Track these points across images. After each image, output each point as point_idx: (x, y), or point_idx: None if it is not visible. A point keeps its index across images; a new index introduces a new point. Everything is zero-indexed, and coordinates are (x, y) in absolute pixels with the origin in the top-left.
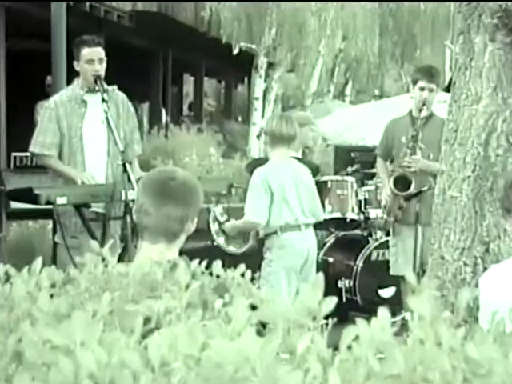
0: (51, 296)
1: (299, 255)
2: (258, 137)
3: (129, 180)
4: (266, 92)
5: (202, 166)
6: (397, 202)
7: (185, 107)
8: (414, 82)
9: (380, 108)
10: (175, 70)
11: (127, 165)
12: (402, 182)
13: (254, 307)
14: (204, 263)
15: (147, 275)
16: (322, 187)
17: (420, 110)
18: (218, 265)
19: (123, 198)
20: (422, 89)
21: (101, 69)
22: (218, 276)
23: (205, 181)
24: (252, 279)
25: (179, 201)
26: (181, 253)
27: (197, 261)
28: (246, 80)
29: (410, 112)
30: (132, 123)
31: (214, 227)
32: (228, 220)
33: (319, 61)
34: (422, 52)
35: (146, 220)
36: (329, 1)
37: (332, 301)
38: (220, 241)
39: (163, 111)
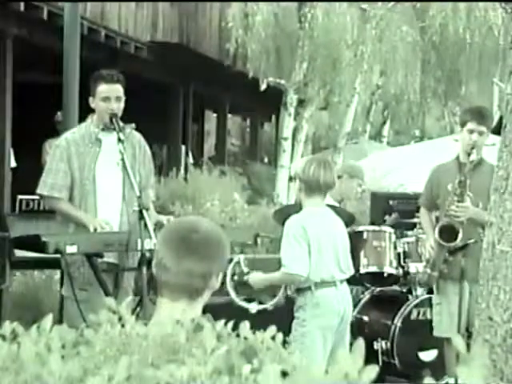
0: (62, 358)
1: (335, 314)
2: (291, 179)
3: (145, 228)
4: (295, 131)
5: (225, 212)
6: (442, 254)
7: (206, 147)
8: (463, 124)
9: (421, 151)
10: (196, 106)
11: (144, 211)
12: (448, 233)
13: (285, 374)
14: (231, 323)
15: (169, 337)
16: (357, 238)
17: (469, 155)
18: (245, 326)
19: (139, 248)
20: (471, 131)
21: (117, 108)
22: (245, 338)
23: (228, 229)
24: (284, 342)
25: (202, 255)
26: (203, 309)
27: (223, 321)
28: (273, 118)
29: (457, 157)
30: (148, 167)
31: (229, 278)
32: (250, 272)
33: (354, 98)
34: (467, 89)
35: (166, 276)
36: (375, 0)
37: (374, 369)
38: (232, 294)
39: (183, 150)
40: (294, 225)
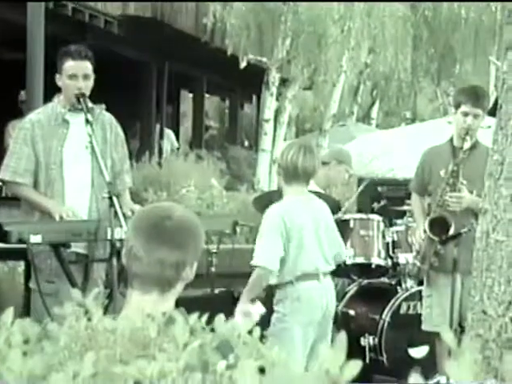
0: (24, 354)
1: (318, 309)
2: (275, 163)
3: (116, 216)
4: (277, 113)
5: (202, 199)
6: (432, 246)
7: (182, 129)
8: (456, 106)
9: (412, 133)
10: (171, 85)
11: (114, 198)
12: (439, 225)
13: (263, 370)
14: (205, 317)
15: (138, 331)
16: (342, 227)
17: (463, 140)
18: (221, 319)
19: (109, 237)
20: (466, 114)
21: (86, 86)
22: (220, 332)
23: (205, 217)
24: (261, 337)
25: (175, 244)
26: (176, 303)
27: (196, 314)
28: (254, 99)
29: (451, 140)
30: (122, 150)
31: None
32: None
33: (341, 77)
34: (461, 68)
35: (137, 266)
36: (354, 0)
37: (356, 365)
38: None
39: (171, 133)
40: (271, 215)
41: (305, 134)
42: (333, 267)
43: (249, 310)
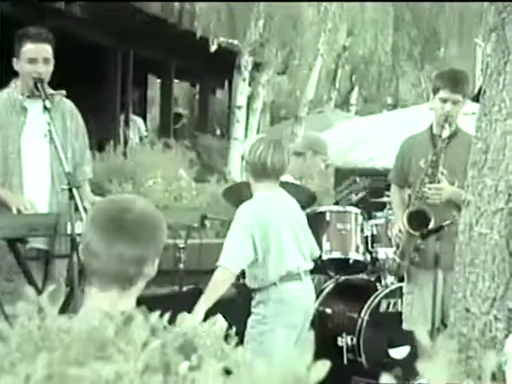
0: None
1: (301, 311)
2: (243, 159)
3: (77, 209)
4: (250, 99)
5: (170, 191)
6: (412, 241)
7: (149, 117)
8: (435, 92)
9: (393, 120)
10: (137, 70)
11: (74, 190)
12: (418, 219)
13: (228, 372)
14: (167, 315)
15: (95, 331)
16: (318, 220)
17: (442, 127)
18: (184, 318)
19: (69, 232)
20: (444, 100)
21: (45, 71)
22: (184, 332)
23: (172, 211)
24: (226, 337)
25: (136, 238)
26: (139, 302)
27: (157, 313)
28: (226, 84)
29: (431, 127)
30: (82, 140)
31: None
32: None
33: (318, 61)
34: (446, 51)
35: (95, 262)
36: (330, 0)
37: (325, 365)
38: None
39: (139, 120)
40: (243, 214)
41: (280, 121)
42: (311, 265)
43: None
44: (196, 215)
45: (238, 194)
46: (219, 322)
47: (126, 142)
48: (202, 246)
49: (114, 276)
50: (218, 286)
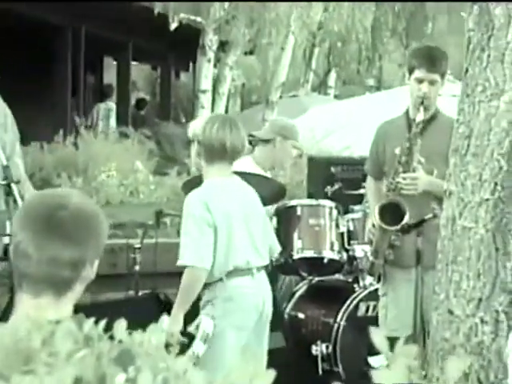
0: None
1: (253, 309)
2: (189, 143)
3: (15, 205)
4: (216, 83)
5: (125, 185)
6: (386, 237)
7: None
8: (410, 71)
9: (375, 103)
10: (91, 51)
11: (13, 185)
12: (391, 212)
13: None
14: (103, 323)
15: (21, 342)
16: (289, 215)
17: (417, 110)
18: (121, 325)
19: (7, 231)
20: (420, 81)
21: None
22: (120, 341)
23: (126, 207)
24: (167, 346)
25: (72, 238)
26: (88, 309)
27: (92, 320)
28: (191, 67)
29: (407, 112)
30: (12, 130)
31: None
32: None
33: (290, 39)
34: (434, 26)
35: (26, 265)
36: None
37: (270, 375)
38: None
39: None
40: (193, 202)
41: (251, 106)
42: (267, 261)
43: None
44: (152, 211)
45: (195, 187)
46: (204, 323)
47: (77, 132)
48: (158, 246)
49: (48, 280)
50: (191, 288)
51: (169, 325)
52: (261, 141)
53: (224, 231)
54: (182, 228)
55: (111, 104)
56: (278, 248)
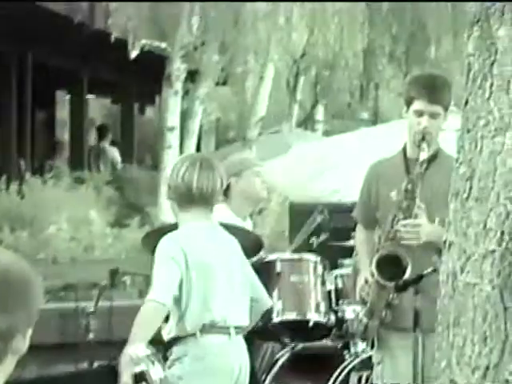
0: None
1: (227, 374)
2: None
3: None
4: (185, 118)
5: (77, 239)
6: (383, 295)
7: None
8: (408, 103)
9: (369, 140)
10: (40, 83)
11: None
12: (390, 266)
13: None
14: None
15: None
16: (267, 271)
17: (418, 148)
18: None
19: None
20: (420, 114)
21: None
22: None
23: (78, 265)
24: None
25: None
26: None
27: None
28: (157, 100)
29: (404, 149)
30: None
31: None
32: None
33: (269, 67)
34: (438, 51)
35: None
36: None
37: None
38: None
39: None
40: (167, 244)
41: (227, 145)
42: (247, 322)
43: (138, 355)
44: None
45: (158, 241)
46: (157, 369)
47: (22, 178)
48: (114, 310)
49: None
50: (145, 321)
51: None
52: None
53: (201, 280)
54: (154, 268)
55: (104, 145)
56: (267, 303)
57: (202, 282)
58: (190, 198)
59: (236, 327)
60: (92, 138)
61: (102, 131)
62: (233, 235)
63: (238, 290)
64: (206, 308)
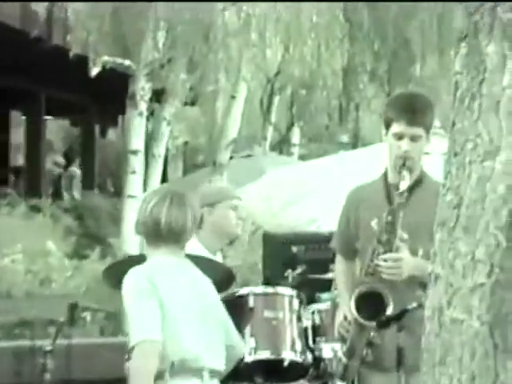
0: None
1: None
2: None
3: None
4: (151, 141)
5: (33, 272)
6: (364, 334)
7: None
8: (387, 125)
9: (349, 165)
10: None
11: None
12: (371, 301)
13: None
14: None
15: None
16: (239, 307)
17: (399, 174)
18: None
19: None
20: (400, 137)
21: None
22: None
23: (35, 299)
24: None
25: None
26: None
27: None
28: (120, 121)
29: (385, 174)
30: None
31: None
32: None
33: (241, 86)
34: (423, 69)
35: None
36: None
37: None
38: None
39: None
40: (134, 278)
41: (196, 170)
42: (222, 366)
43: None
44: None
45: (124, 272)
46: None
47: None
48: (73, 349)
49: None
50: (144, 367)
51: None
52: None
53: (171, 315)
54: (125, 311)
55: (74, 170)
56: (241, 349)
57: (172, 317)
58: (158, 233)
59: (210, 371)
60: (49, 163)
61: (70, 155)
62: (201, 267)
63: (213, 331)
64: (176, 344)
